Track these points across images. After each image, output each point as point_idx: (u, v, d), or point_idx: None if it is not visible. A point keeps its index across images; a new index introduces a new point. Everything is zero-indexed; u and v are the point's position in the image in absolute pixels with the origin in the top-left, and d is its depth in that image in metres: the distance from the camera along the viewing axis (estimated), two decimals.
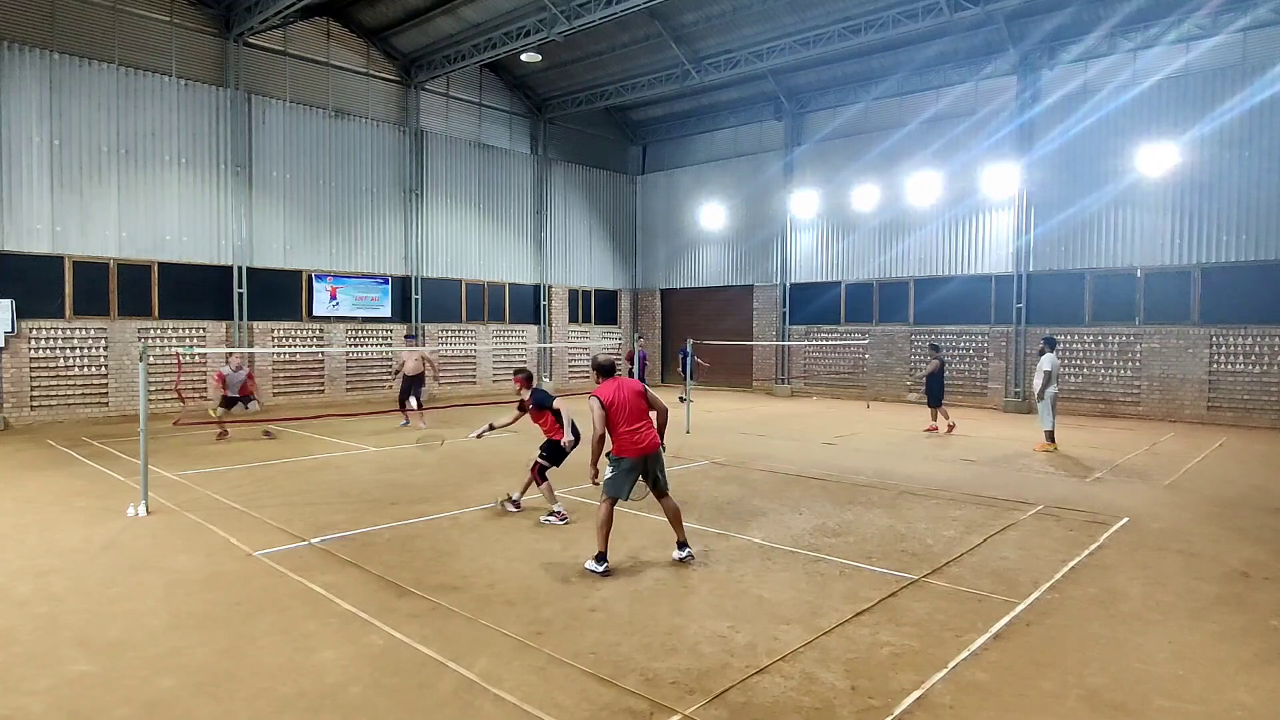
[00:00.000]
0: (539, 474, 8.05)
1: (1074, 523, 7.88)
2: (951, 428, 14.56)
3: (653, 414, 6.44)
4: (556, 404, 8.11)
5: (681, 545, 6.48)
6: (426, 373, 15.77)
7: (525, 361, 23.96)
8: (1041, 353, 12.51)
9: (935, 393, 14.70)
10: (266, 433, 13.93)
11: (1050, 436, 12.50)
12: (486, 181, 22.97)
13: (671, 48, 20.39)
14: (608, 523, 6.26)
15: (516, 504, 8.30)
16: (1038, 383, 12.37)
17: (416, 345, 15.82)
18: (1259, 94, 15.68)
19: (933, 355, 14.93)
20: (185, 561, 6.51)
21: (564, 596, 5.69)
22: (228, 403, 13.57)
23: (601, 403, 6.20)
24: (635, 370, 16.26)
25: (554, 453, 8.07)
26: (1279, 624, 5.27)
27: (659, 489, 6.45)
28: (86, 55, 15.80)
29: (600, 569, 6.13)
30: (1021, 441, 13.47)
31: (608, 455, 6.32)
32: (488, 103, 23.13)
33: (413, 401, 15.04)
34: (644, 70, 21.74)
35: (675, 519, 6.48)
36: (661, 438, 6.49)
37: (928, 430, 14.54)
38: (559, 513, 7.88)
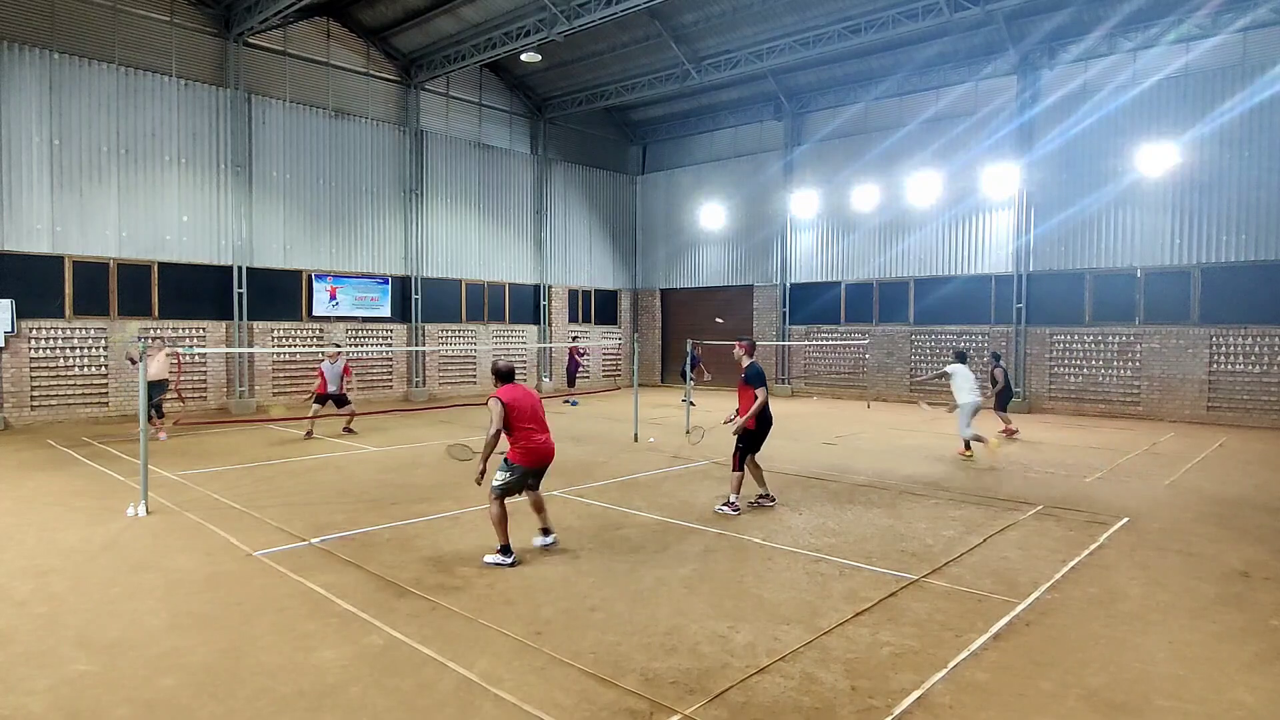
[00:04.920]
0: (738, 461, 8.26)
1: (1074, 523, 7.87)
2: (1000, 436, 13.67)
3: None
4: (760, 391, 8.19)
5: (546, 532, 6.96)
6: (169, 377, 13.61)
7: (525, 361, 24.01)
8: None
9: (1003, 397, 14.43)
10: (348, 429, 14.31)
11: (971, 441, 11.73)
12: (486, 181, 22.96)
13: (671, 48, 20.38)
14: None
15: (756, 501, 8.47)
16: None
17: (165, 346, 13.46)
18: (1259, 94, 15.68)
19: (995, 364, 14.46)
20: (185, 561, 6.51)
21: (564, 596, 5.69)
22: (323, 399, 13.79)
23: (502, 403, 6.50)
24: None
25: (749, 439, 8.24)
26: (1279, 624, 5.27)
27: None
28: (86, 55, 15.79)
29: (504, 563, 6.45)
30: (1022, 442, 13.47)
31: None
32: (488, 103, 23.12)
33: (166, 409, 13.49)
34: (644, 70, 21.73)
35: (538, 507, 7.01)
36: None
37: (1006, 432, 14.00)
38: (733, 502, 8.16)
